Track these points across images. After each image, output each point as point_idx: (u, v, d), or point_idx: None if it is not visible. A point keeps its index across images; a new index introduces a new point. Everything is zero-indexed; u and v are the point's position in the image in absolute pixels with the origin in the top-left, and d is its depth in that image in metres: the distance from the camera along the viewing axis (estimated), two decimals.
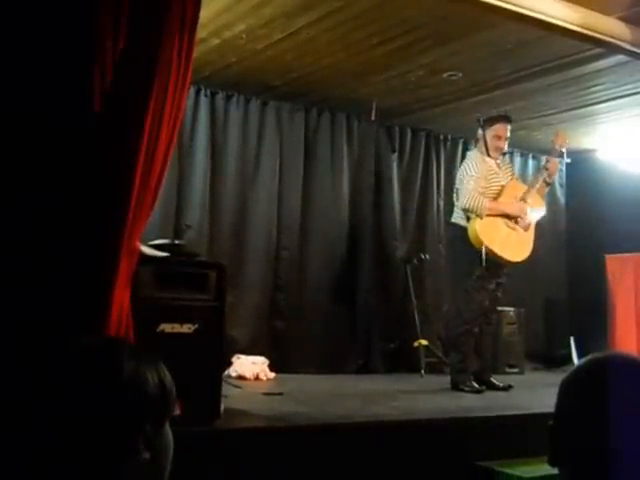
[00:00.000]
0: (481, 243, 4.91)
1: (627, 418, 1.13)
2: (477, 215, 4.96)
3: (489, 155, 5.16)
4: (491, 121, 5.20)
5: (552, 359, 7.34)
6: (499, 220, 5.02)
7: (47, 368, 1.10)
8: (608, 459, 1.12)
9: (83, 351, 1.13)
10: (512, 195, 5.11)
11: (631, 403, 1.14)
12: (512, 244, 5.03)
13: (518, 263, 5.11)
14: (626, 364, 1.20)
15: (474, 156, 5.24)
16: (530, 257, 5.21)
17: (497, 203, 5.04)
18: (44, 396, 1.08)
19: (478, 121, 5.24)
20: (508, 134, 5.20)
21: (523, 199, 5.09)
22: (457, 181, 5.24)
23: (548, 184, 5.33)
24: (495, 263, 5.01)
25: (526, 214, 5.08)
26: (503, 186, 5.11)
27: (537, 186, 5.26)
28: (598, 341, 6.53)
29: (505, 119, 5.22)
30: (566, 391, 1.22)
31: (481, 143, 5.21)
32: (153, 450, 1.12)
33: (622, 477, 1.10)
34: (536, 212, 5.24)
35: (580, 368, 1.22)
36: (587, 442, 1.15)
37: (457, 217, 5.17)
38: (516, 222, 5.07)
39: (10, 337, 2.51)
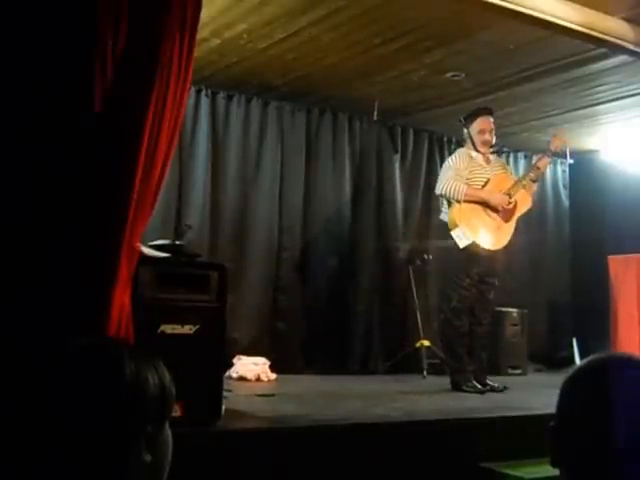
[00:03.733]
0: (456, 225, 4.93)
1: (628, 419, 1.12)
2: (456, 200, 4.98)
3: (477, 150, 5.17)
4: (472, 117, 5.22)
5: (555, 360, 7.32)
6: (479, 207, 5.03)
7: (48, 371, 1.10)
8: (609, 460, 1.10)
9: (84, 353, 1.12)
10: (497, 187, 5.12)
11: (632, 404, 1.13)
12: (488, 232, 5.02)
13: (492, 251, 5.07)
14: (627, 364, 1.19)
15: (458, 151, 5.30)
16: (507, 247, 5.17)
17: (476, 190, 5.05)
18: (46, 399, 1.07)
19: (460, 121, 5.27)
20: (492, 126, 5.21)
21: (507, 193, 5.09)
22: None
23: (534, 181, 5.31)
24: (482, 263, 5.00)
25: (506, 205, 5.06)
26: (489, 179, 5.12)
27: (524, 182, 5.24)
28: (601, 342, 6.51)
29: (485, 111, 5.24)
30: (567, 392, 1.21)
31: (468, 141, 5.23)
32: (154, 451, 1.11)
33: (623, 478, 1.09)
34: (521, 206, 5.21)
35: (581, 369, 1.21)
36: (588, 443, 1.14)
37: (444, 215, 5.18)
38: (497, 212, 5.06)
39: (11, 338, 2.50)
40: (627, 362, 1.19)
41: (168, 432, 1.17)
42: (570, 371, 1.22)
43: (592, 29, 4.35)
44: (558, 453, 1.19)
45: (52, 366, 1.10)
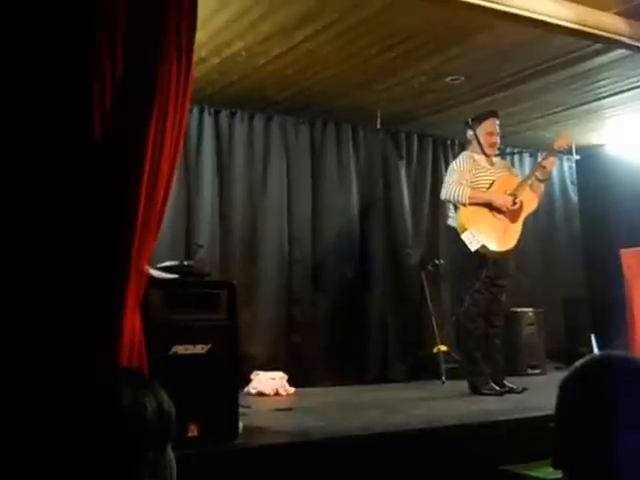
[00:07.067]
0: (465, 229, 4.94)
1: (626, 419, 1.12)
2: (461, 204, 5.00)
3: (485, 153, 5.18)
4: (480, 119, 5.24)
5: (574, 358, 7.16)
6: (485, 209, 5.04)
7: (46, 404, 1.10)
8: (608, 460, 1.10)
9: (81, 385, 1.13)
10: (502, 188, 5.12)
11: (630, 403, 1.13)
12: (497, 233, 5.02)
13: (501, 253, 5.06)
14: (625, 365, 1.19)
15: (462, 155, 5.32)
16: (515, 248, 5.16)
17: (480, 192, 5.05)
18: (45, 432, 1.08)
19: (466, 123, 5.29)
20: (498, 129, 5.23)
21: (513, 193, 5.08)
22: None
23: (542, 181, 5.30)
24: (492, 265, 4.99)
25: (511, 206, 5.06)
26: (494, 181, 5.13)
27: (529, 182, 5.24)
28: (619, 336, 6.47)
29: (493, 114, 5.26)
30: (565, 393, 1.21)
31: (474, 143, 5.24)
32: (156, 475, 1.12)
33: (623, 478, 1.09)
34: (527, 206, 5.21)
35: (578, 369, 1.21)
36: (587, 443, 1.14)
37: (452, 220, 5.18)
38: (502, 213, 5.05)
39: (21, 363, 2.52)
40: (625, 362, 1.19)
41: (171, 456, 1.17)
42: (568, 371, 1.22)
43: (586, 26, 4.35)
44: (559, 455, 1.19)
45: (50, 399, 1.11)
